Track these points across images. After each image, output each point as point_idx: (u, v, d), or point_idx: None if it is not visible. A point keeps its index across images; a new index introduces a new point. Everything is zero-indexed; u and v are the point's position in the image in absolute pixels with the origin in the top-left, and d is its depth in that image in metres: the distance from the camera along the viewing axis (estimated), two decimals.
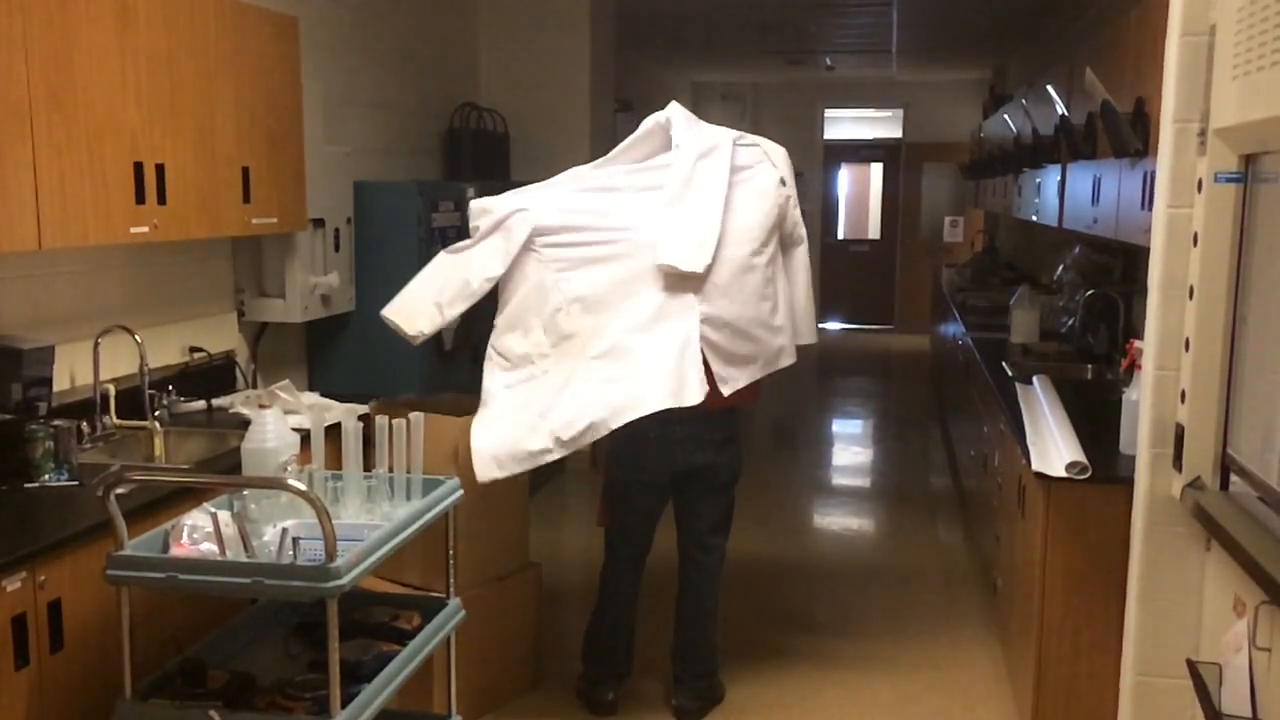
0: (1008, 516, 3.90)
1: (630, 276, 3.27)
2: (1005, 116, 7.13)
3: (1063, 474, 3.08)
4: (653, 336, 3.23)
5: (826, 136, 13.26)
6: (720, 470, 3.52)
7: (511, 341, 3.28)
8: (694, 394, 3.19)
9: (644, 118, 3.53)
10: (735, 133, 3.51)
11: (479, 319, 3.47)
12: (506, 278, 3.31)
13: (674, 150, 3.39)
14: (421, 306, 3.30)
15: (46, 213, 2.76)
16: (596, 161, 3.54)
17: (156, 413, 3.58)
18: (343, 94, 4.93)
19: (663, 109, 3.51)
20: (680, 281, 3.24)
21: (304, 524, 2.43)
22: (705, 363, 3.25)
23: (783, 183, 3.42)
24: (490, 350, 3.34)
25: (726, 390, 3.30)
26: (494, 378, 3.29)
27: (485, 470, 3.18)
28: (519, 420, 3.20)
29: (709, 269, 3.23)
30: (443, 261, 3.35)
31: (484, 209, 3.34)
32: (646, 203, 3.33)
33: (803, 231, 3.55)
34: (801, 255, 3.59)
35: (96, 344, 3.38)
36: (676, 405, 3.18)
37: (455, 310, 3.28)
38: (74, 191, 2.86)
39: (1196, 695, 2.40)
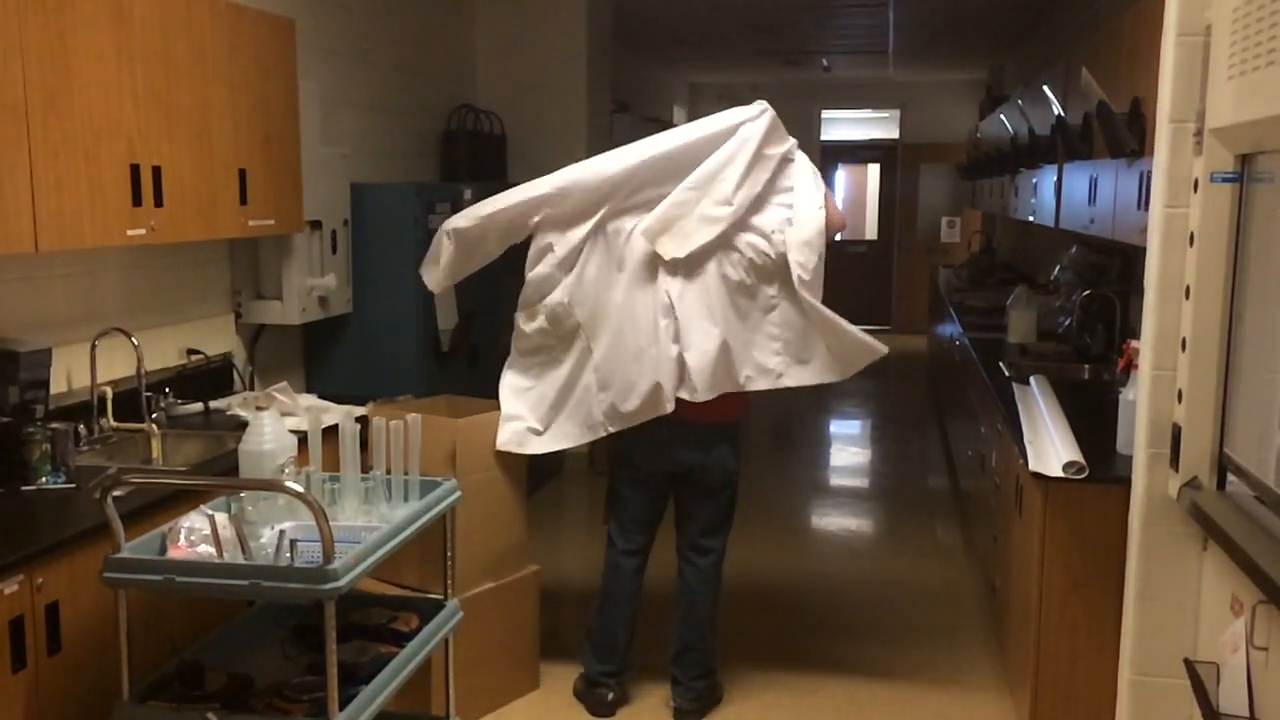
0: (1005, 516, 3.90)
1: (631, 284, 3.38)
2: (1002, 117, 7.14)
3: (1060, 474, 3.08)
4: (642, 343, 3.34)
5: (823, 137, 13.25)
6: (711, 472, 3.51)
7: (521, 319, 3.58)
8: (669, 403, 3.35)
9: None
10: (791, 151, 3.45)
11: (475, 321, 3.48)
12: (526, 262, 3.57)
13: (731, 143, 3.37)
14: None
15: (43, 215, 2.76)
16: (658, 147, 3.43)
17: (154, 415, 3.58)
18: (339, 96, 4.93)
19: (749, 104, 3.47)
20: (663, 284, 3.34)
21: (301, 526, 2.43)
22: (683, 372, 3.34)
23: (789, 222, 3.34)
24: (516, 318, 3.64)
25: (685, 395, 3.35)
26: (515, 346, 3.62)
27: (505, 443, 3.52)
28: (535, 404, 3.54)
29: (681, 269, 3.30)
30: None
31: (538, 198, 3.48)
32: None
33: (802, 274, 3.26)
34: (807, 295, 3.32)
35: (93, 346, 3.38)
36: (657, 414, 3.34)
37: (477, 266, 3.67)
38: (70, 194, 2.86)
39: (1194, 695, 2.40)
